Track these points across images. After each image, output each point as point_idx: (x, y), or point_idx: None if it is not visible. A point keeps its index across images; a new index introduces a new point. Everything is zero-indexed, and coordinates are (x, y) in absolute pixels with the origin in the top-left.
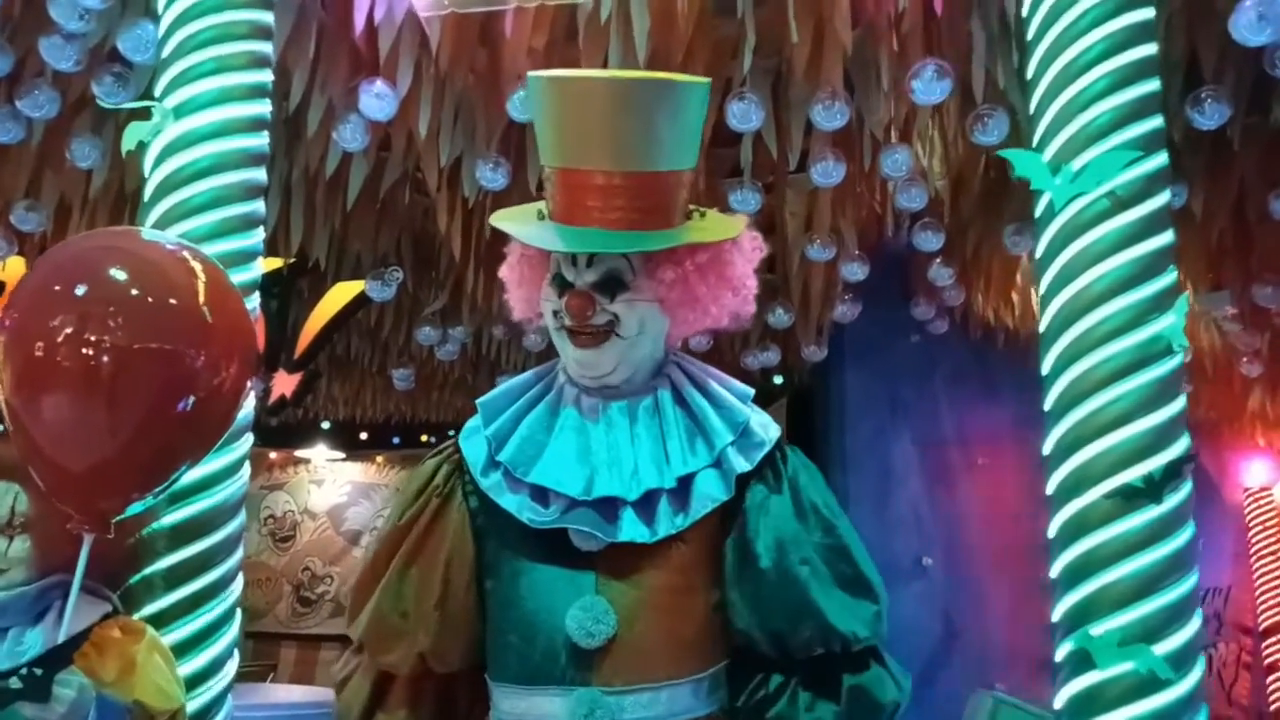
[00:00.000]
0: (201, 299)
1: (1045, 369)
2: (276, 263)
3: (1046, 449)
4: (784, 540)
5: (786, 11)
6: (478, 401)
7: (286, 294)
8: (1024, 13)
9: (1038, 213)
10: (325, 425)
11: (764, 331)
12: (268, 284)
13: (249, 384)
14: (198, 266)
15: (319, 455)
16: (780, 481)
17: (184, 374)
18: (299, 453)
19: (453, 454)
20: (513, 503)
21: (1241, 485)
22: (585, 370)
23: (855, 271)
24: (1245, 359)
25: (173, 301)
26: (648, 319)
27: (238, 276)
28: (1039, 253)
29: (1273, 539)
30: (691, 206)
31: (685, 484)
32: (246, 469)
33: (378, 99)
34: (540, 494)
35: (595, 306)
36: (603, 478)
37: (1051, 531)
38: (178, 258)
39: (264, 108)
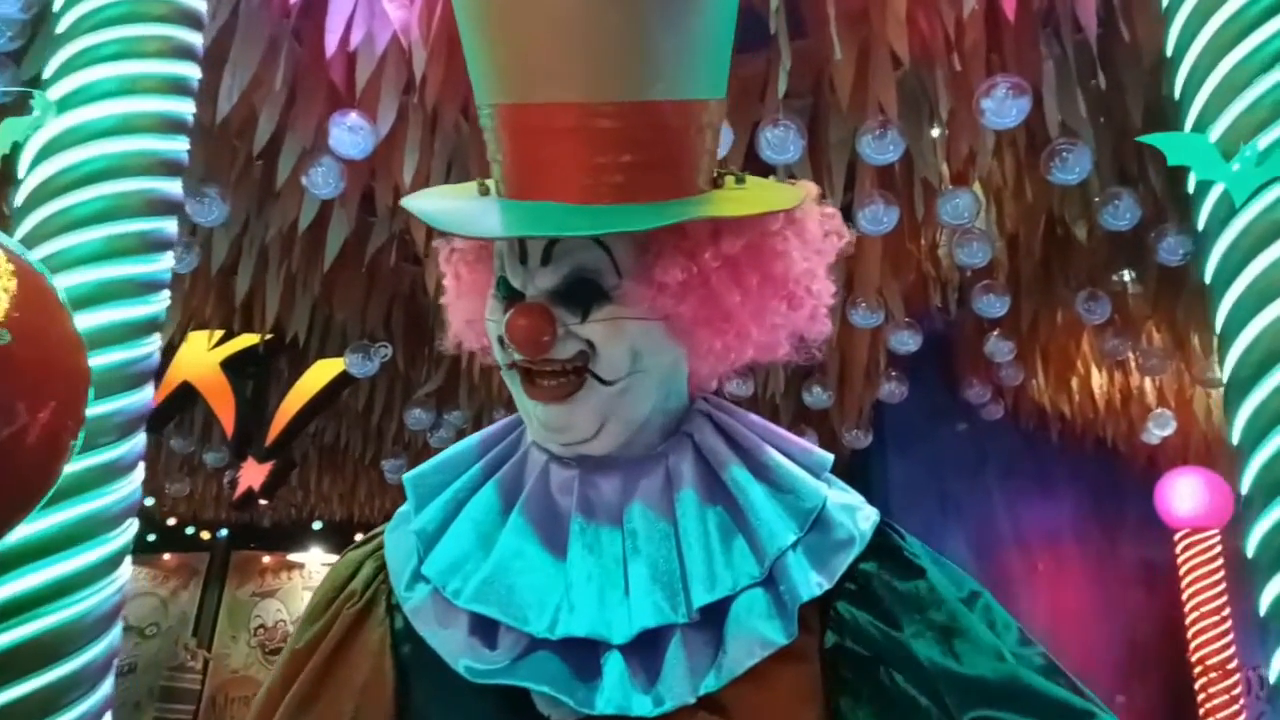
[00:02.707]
0: None
1: (1236, 434)
2: (251, 339)
3: (1251, 548)
4: (939, 699)
5: (826, 31)
6: (405, 478)
7: (263, 374)
8: None
9: (1201, 221)
10: (317, 526)
11: (798, 413)
12: (241, 363)
13: (73, 440)
14: (3, 268)
15: (313, 559)
16: (890, 601)
17: None
18: (291, 556)
19: (379, 548)
20: (443, 640)
21: None
22: (552, 434)
23: (905, 342)
24: None
25: None
26: (646, 348)
27: (134, 311)
28: (1209, 274)
29: None
30: (723, 170)
31: (716, 615)
32: (125, 570)
33: (351, 133)
34: (485, 627)
35: (554, 329)
36: (577, 605)
37: (1272, 674)
38: None
39: (182, 106)
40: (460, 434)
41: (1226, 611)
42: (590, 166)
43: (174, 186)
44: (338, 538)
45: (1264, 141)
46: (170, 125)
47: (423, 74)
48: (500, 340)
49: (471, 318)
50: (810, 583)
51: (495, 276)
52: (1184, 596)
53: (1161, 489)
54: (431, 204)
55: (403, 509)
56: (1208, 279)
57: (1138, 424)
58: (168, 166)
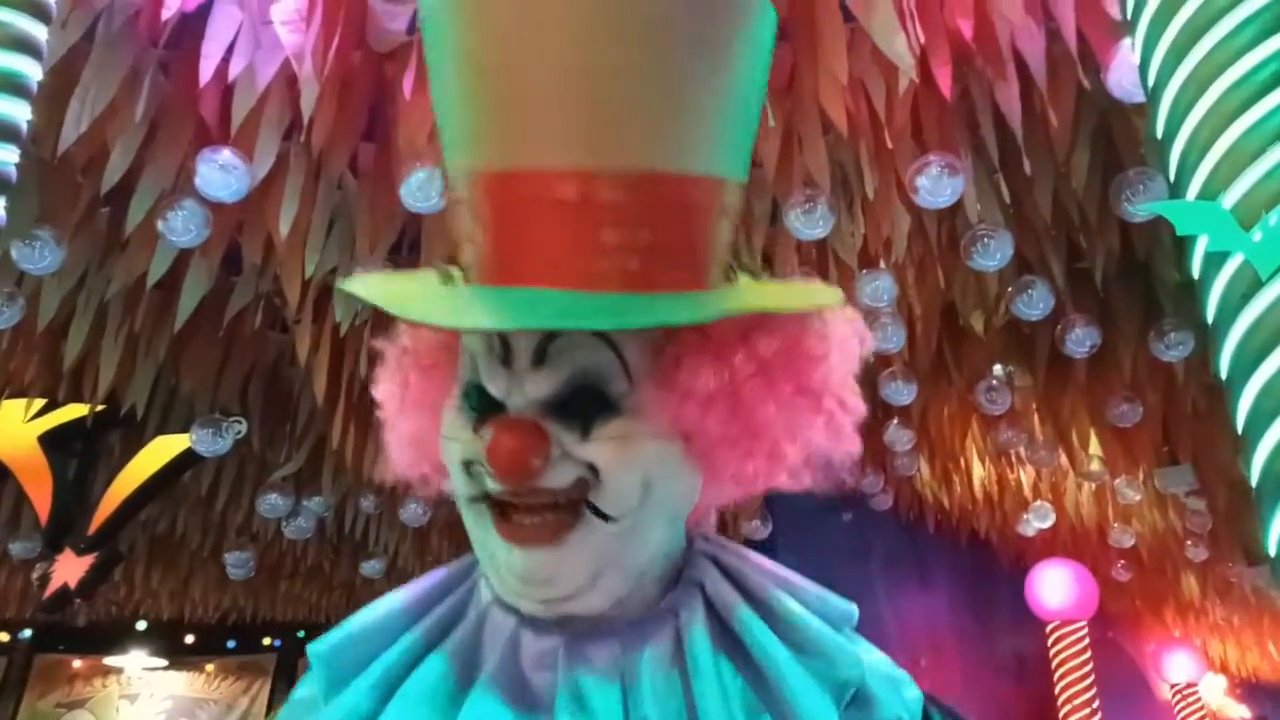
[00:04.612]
0: None
1: (1273, 544)
2: (79, 410)
3: None
4: None
5: None
6: (310, 650)
7: (90, 451)
8: (1127, 13)
9: (1211, 308)
10: (141, 625)
11: None
12: (64, 438)
13: None
14: None
15: (133, 663)
16: None
17: None
18: (109, 660)
19: None
20: None
21: (1167, 680)
22: (531, 588)
23: None
24: (1190, 542)
25: None
26: (660, 475)
27: None
28: (1225, 366)
29: None
30: (735, 265)
31: None
32: None
33: (223, 172)
34: None
35: (547, 450)
36: None
37: None
38: None
39: (14, 108)
40: (321, 523)
41: (1096, 704)
42: (597, 247)
43: None
44: (165, 639)
45: None
46: None
47: (311, 114)
48: (467, 465)
49: (421, 436)
50: None
51: (462, 384)
52: (1056, 689)
53: (1031, 581)
54: (385, 290)
55: (300, 693)
56: (1224, 372)
57: (1011, 516)
58: None
